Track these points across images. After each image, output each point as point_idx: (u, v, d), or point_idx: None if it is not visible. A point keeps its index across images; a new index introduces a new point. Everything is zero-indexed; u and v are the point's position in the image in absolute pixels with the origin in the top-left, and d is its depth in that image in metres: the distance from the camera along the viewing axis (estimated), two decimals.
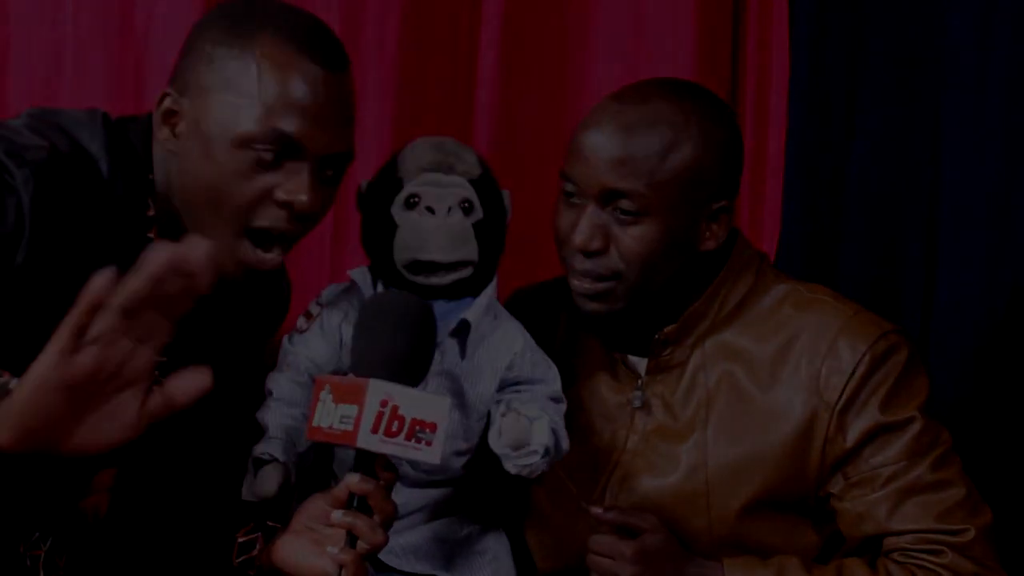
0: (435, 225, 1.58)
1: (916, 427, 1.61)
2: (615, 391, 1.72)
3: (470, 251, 1.59)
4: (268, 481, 1.51)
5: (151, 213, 1.47)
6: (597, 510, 1.61)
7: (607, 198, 1.59)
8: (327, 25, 1.53)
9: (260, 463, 1.54)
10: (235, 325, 1.62)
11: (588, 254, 1.61)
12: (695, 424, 1.66)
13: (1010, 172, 1.95)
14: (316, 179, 1.49)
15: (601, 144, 1.59)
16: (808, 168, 2.06)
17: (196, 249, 1.09)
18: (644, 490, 1.67)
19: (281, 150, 1.46)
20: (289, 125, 1.45)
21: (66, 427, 1.14)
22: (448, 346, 1.60)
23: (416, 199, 1.59)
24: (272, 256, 1.51)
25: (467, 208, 1.60)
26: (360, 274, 1.65)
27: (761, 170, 2.14)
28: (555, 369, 1.65)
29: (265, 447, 1.56)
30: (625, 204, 1.59)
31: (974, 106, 1.95)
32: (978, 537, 1.60)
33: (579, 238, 1.60)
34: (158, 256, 1.08)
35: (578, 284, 1.63)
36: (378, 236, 1.62)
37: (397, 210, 1.60)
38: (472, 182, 1.61)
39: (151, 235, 1.47)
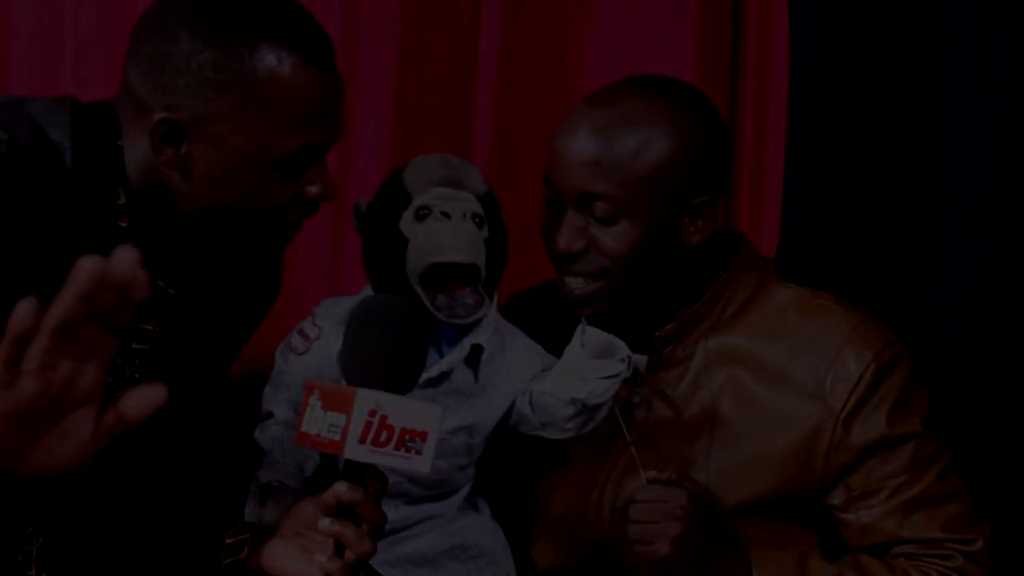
0: (451, 228, 1.54)
1: (921, 440, 1.63)
2: None
3: (482, 258, 1.56)
4: (279, 509, 1.51)
5: (121, 202, 1.45)
6: (652, 473, 1.56)
7: (583, 201, 1.60)
8: (309, 13, 1.49)
9: (268, 490, 1.54)
10: (227, 308, 1.61)
11: (571, 256, 1.61)
12: (700, 428, 1.66)
13: (1011, 172, 1.94)
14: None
15: (574, 147, 1.60)
16: (808, 168, 2.05)
17: (123, 260, 1.06)
18: None
19: (309, 159, 1.46)
20: (313, 138, 1.45)
21: (20, 452, 1.13)
22: (460, 368, 1.59)
23: (427, 210, 1.55)
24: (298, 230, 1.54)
25: (478, 222, 1.57)
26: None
27: (761, 170, 2.13)
28: None
29: (273, 474, 1.55)
30: (600, 207, 1.59)
31: (975, 106, 1.94)
32: (984, 547, 1.62)
33: (561, 242, 1.62)
34: (82, 272, 1.05)
35: (567, 289, 1.64)
36: (386, 254, 1.57)
37: (407, 224, 1.55)
38: (479, 198, 1.58)
39: (123, 224, 1.45)
